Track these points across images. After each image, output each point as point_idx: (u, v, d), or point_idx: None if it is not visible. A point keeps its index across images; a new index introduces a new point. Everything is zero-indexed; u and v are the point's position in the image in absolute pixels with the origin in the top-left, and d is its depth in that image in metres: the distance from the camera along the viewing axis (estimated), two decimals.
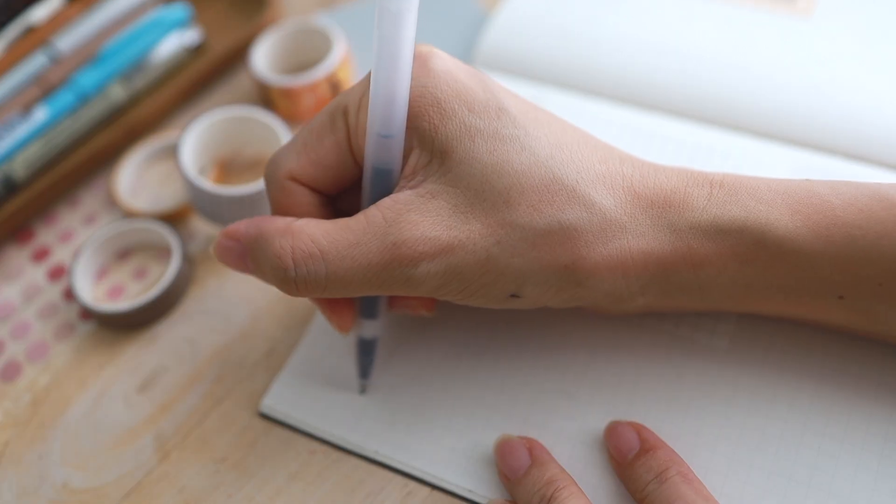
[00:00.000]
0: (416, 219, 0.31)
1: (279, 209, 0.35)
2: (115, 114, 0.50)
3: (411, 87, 0.32)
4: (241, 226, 0.34)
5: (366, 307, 0.36)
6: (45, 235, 0.47)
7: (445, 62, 0.33)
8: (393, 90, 0.31)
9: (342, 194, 0.36)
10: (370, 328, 0.36)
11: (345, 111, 0.34)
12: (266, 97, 0.49)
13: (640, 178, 0.33)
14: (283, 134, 0.44)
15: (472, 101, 0.32)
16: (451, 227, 0.31)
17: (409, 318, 0.39)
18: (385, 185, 0.33)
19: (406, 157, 0.33)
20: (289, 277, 0.32)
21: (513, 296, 0.33)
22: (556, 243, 0.31)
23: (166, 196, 0.47)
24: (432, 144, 0.32)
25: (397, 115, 0.32)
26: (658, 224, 0.32)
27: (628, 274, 0.32)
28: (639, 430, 0.34)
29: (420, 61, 0.33)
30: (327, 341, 0.39)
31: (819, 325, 0.36)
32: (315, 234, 0.32)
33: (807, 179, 0.33)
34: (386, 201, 0.32)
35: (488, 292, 0.32)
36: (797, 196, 0.32)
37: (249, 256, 0.33)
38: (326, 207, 0.35)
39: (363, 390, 0.38)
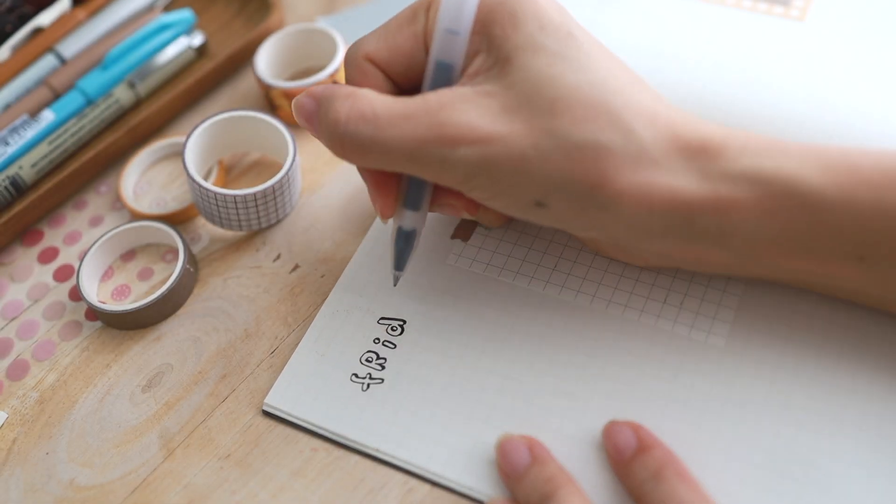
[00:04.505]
0: (467, 108, 0.33)
1: (353, 85, 0.36)
2: (120, 117, 0.50)
3: None
4: (318, 87, 0.36)
5: (410, 197, 0.37)
6: (52, 237, 0.47)
7: None
8: None
9: (413, 91, 0.37)
10: (411, 219, 0.37)
11: (427, 7, 0.36)
12: (269, 100, 0.49)
13: (682, 122, 0.34)
14: (287, 136, 0.45)
15: (546, 21, 0.34)
16: (495, 122, 0.33)
17: (410, 315, 0.40)
18: (445, 79, 0.35)
19: (472, 58, 0.35)
20: (339, 133, 0.34)
21: (538, 204, 0.34)
22: (588, 159, 0.32)
23: (171, 198, 0.48)
24: (499, 51, 0.34)
25: (465, 14, 0.34)
26: (690, 167, 0.33)
27: (653, 209, 0.33)
28: (636, 429, 0.34)
29: None
30: (329, 340, 0.40)
31: (835, 291, 0.36)
32: (374, 100, 0.34)
33: (840, 145, 0.34)
34: (444, 90, 0.34)
35: (515, 193, 0.34)
36: (827, 156, 0.33)
37: (316, 115, 0.35)
38: (396, 95, 0.37)
39: (396, 282, 0.40)
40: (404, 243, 0.38)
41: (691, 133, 0.34)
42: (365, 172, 0.37)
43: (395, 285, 0.40)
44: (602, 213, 0.33)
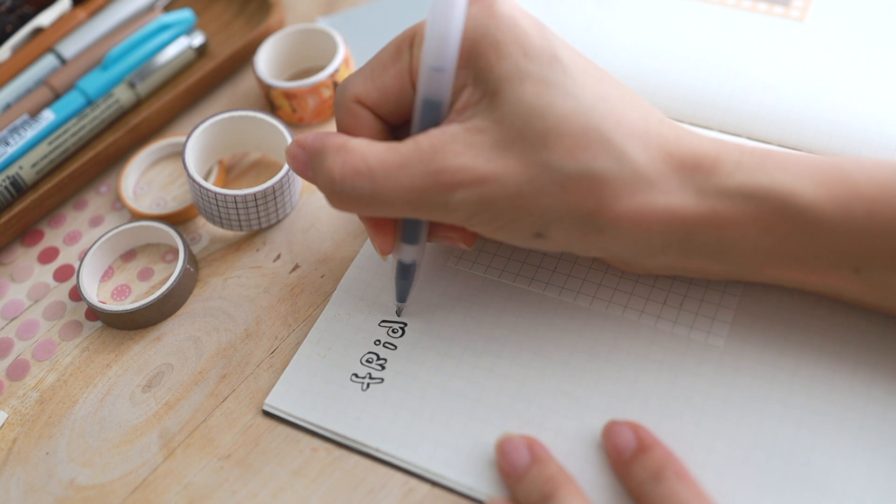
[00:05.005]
0: (460, 149, 0.33)
1: (344, 130, 0.37)
2: (120, 117, 0.50)
3: (474, 28, 0.34)
4: (309, 137, 0.36)
5: (408, 232, 0.37)
6: (53, 237, 0.47)
7: (511, 7, 0.34)
8: (447, 27, 0.33)
9: (404, 126, 0.37)
10: (410, 253, 0.37)
11: (411, 43, 0.36)
12: (269, 100, 0.49)
13: (675, 139, 0.34)
14: (287, 136, 0.45)
15: (529, 46, 0.33)
16: (489, 161, 0.32)
17: (411, 317, 0.40)
18: (434, 117, 0.34)
19: (459, 92, 0.34)
20: (335, 190, 0.34)
21: (538, 235, 0.34)
22: (583, 189, 0.32)
23: (171, 197, 0.48)
24: (486, 83, 0.33)
25: (449, 51, 0.33)
26: (685, 185, 0.33)
27: (651, 229, 0.33)
28: (636, 429, 0.35)
29: (486, 4, 0.34)
30: (330, 342, 0.40)
31: (833, 296, 0.36)
32: (366, 153, 0.33)
33: (834, 155, 0.34)
34: (435, 132, 0.33)
35: (515, 228, 0.34)
36: (822, 169, 0.33)
37: (310, 166, 0.35)
38: (388, 135, 0.37)
39: (399, 312, 0.40)
40: (405, 276, 0.38)
41: (685, 150, 0.33)
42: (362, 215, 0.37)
43: (398, 315, 0.40)
44: (601, 237, 0.33)
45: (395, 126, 0.38)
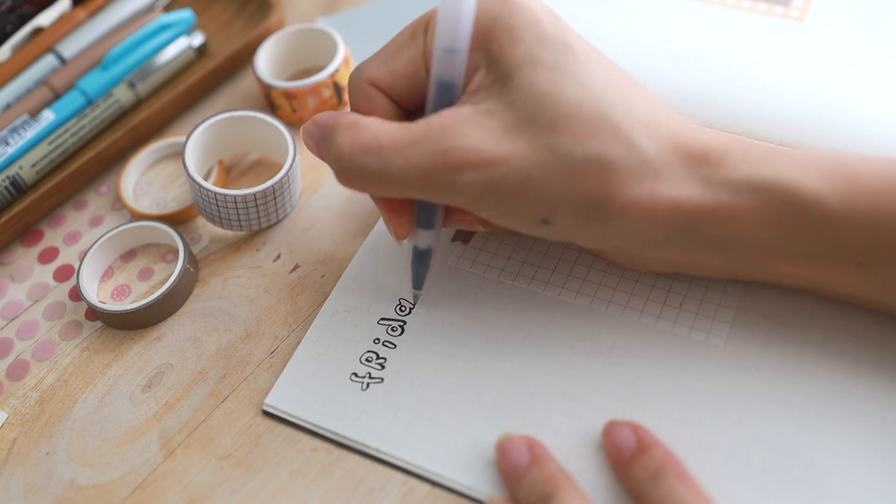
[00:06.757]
0: (470, 131, 0.33)
1: (358, 112, 0.37)
2: (120, 117, 0.50)
3: (488, 12, 0.34)
4: (323, 115, 0.36)
5: (423, 217, 0.37)
6: (53, 237, 0.47)
7: None
8: (460, 8, 0.33)
9: (419, 111, 0.37)
10: (425, 238, 0.38)
11: (425, 27, 0.36)
12: (269, 100, 0.49)
13: (683, 131, 0.34)
14: (287, 136, 0.45)
15: (543, 33, 0.34)
16: (498, 144, 0.33)
17: (411, 316, 0.40)
18: (447, 98, 0.35)
19: (472, 75, 0.35)
20: (343, 165, 0.34)
21: (544, 221, 0.34)
22: (591, 175, 0.32)
23: (171, 197, 0.48)
24: (498, 67, 0.34)
25: (462, 32, 0.33)
26: (692, 176, 0.33)
27: (656, 219, 0.33)
28: (636, 429, 0.35)
29: None
30: (329, 341, 0.40)
31: (835, 294, 0.36)
32: (377, 130, 0.34)
33: (840, 151, 0.34)
34: (447, 112, 0.34)
35: (522, 213, 0.34)
36: (827, 163, 0.33)
37: (322, 143, 0.36)
38: (402, 119, 0.37)
39: (415, 301, 0.40)
40: (421, 262, 0.38)
41: (692, 141, 0.34)
42: (376, 197, 0.38)
43: (414, 304, 0.40)
44: (606, 226, 0.34)
45: (410, 111, 0.38)
